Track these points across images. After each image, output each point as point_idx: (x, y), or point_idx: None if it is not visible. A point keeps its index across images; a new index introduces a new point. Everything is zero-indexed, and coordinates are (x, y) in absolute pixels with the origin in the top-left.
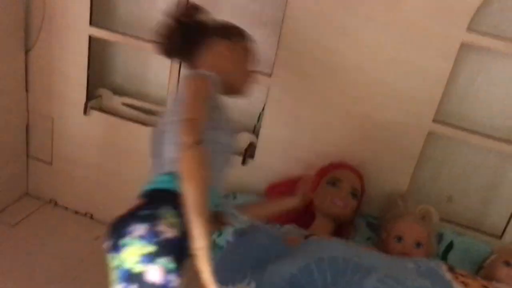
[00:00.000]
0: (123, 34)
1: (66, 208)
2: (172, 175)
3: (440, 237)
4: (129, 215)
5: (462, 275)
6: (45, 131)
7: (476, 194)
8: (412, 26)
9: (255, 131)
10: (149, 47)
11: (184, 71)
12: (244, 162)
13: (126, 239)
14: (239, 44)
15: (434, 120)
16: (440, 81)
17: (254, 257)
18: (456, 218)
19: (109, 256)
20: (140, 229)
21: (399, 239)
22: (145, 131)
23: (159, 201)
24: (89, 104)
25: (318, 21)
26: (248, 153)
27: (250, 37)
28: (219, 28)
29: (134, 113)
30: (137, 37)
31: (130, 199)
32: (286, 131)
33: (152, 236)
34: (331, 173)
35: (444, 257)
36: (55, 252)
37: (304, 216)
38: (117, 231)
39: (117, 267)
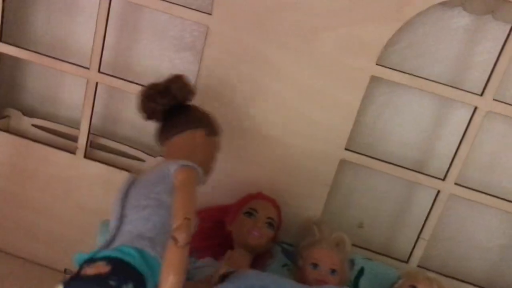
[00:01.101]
0: (36, 52)
1: None
2: (140, 253)
3: (351, 263)
4: (97, 278)
5: None
6: None
7: (385, 220)
8: (325, 58)
9: None
10: (63, 67)
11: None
12: None
13: None
14: (214, 139)
15: (346, 148)
16: (351, 111)
17: None
18: (366, 243)
19: None
20: None
21: (315, 266)
22: (56, 154)
23: (125, 275)
24: None
25: (237, 49)
26: None
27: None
28: (203, 119)
29: (45, 135)
30: (51, 57)
31: (34, 227)
32: None
33: None
34: (249, 203)
35: (356, 282)
36: None
37: (222, 248)
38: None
39: None
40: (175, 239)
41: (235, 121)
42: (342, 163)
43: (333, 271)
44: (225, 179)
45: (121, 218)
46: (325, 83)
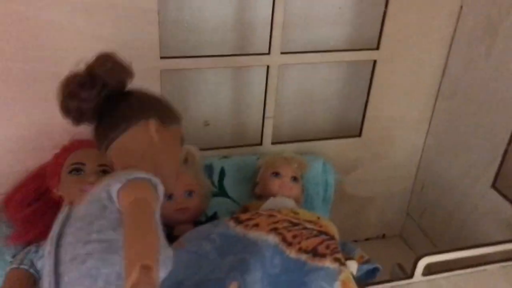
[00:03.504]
0: None
1: None
2: None
3: (209, 169)
4: None
5: (248, 219)
6: None
7: (227, 111)
8: None
9: None
10: None
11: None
12: None
13: None
14: (173, 128)
15: (161, 57)
16: (151, 12)
17: None
18: (219, 140)
19: None
20: None
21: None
22: None
23: None
24: None
25: None
26: None
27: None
28: (152, 104)
29: None
30: None
31: None
32: None
33: None
34: (69, 159)
35: (221, 185)
36: None
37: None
38: None
39: None
40: None
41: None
42: (164, 73)
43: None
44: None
45: (56, 279)
46: None
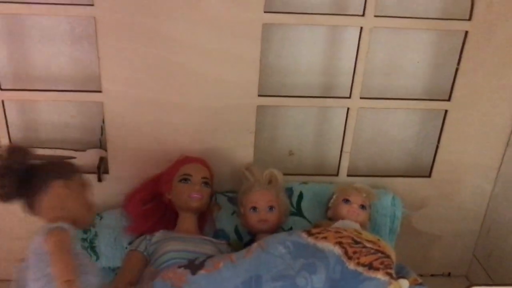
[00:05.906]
0: None
1: None
2: None
3: (290, 191)
4: None
5: (318, 233)
6: None
7: (310, 143)
8: (216, 18)
9: (102, 145)
10: None
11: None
12: (100, 179)
13: None
14: (75, 180)
15: (259, 95)
16: (254, 60)
17: None
18: (301, 168)
19: None
20: None
21: (254, 209)
22: None
23: None
24: None
25: (131, 29)
26: (102, 169)
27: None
28: (51, 170)
29: None
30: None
31: None
32: (131, 138)
33: None
34: (180, 170)
35: (298, 207)
36: None
37: (166, 217)
38: None
39: None
40: None
41: (150, 98)
42: (259, 108)
43: (270, 208)
44: (157, 153)
45: None
46: (223, 41)
